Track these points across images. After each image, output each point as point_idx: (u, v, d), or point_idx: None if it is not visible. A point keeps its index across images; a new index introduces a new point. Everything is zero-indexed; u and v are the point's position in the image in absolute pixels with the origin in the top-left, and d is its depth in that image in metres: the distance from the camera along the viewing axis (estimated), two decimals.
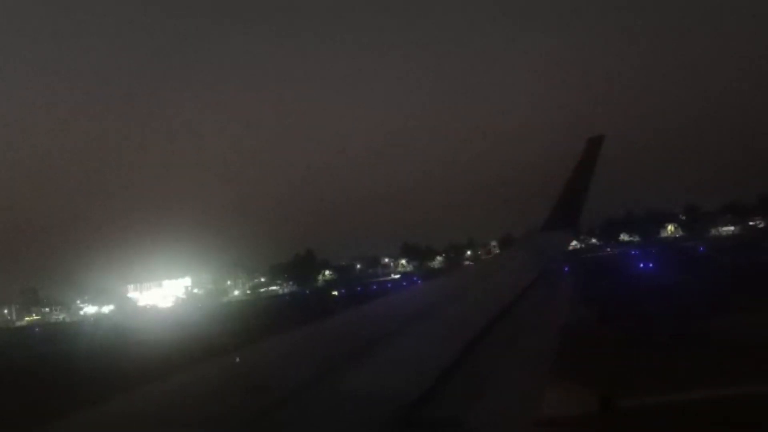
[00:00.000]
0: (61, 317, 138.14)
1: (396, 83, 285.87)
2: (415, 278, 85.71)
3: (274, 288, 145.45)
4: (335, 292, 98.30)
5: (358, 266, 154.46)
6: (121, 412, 2.55)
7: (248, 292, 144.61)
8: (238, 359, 3.48)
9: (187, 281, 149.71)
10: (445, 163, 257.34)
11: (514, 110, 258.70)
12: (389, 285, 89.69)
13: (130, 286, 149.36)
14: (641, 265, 66.09)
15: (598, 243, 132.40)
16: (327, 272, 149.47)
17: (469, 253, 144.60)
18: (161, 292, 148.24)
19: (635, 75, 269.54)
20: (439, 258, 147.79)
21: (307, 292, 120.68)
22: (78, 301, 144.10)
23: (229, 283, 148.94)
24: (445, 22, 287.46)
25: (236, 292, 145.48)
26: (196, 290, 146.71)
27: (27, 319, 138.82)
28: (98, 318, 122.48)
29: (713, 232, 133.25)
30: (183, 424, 2.39)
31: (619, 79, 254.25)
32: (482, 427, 2.86)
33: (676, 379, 12.76)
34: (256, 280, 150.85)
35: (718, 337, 18.03)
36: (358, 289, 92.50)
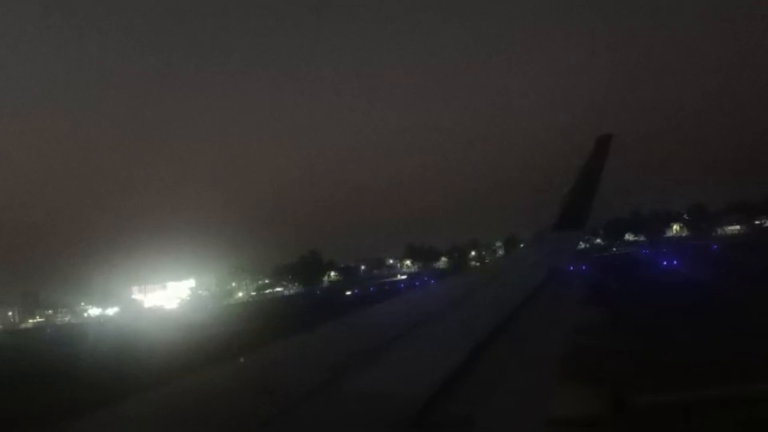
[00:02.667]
0: (66, 319, 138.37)
1: (399, 86, 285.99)
2: (425, 278, 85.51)
3: (279, 289, 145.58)
4: (348, 292, 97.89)
5: (363, 267, 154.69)
6: (132, 414, 2.53)
7: (253, 293, 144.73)
8: (248, 362, 3.46)
9: (191, 283, 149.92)
10: (450, 164, 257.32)
11: (519, 110, 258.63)
12: (402, 285, 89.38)
13: (135, 288, 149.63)
14: (651, 263, 66.01)
15: (603, 243, 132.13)
16: (332, 273, 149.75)
17: (473, 253, 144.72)
18: (166, 294, 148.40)
19: (641, 74, 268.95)
20: (443, 259, 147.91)
21: (318, 292, 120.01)
22: (82, 303, 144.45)
23: (233, 284, 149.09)
24: (452, 21, 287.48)
25: (240, 294, 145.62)
26: (201, 292, 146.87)
27: (30, 321, 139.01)
28: (106, 320, 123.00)
29: (719, 231, 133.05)
30: (193, 427, 2.38)
31: (625, 79, 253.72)
32: (494, 428, 2.84)
33: (692, 378, 12.69)
34: (260, 282, 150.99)
35: (737, 335, 17.88)
36: (371, 288, 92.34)
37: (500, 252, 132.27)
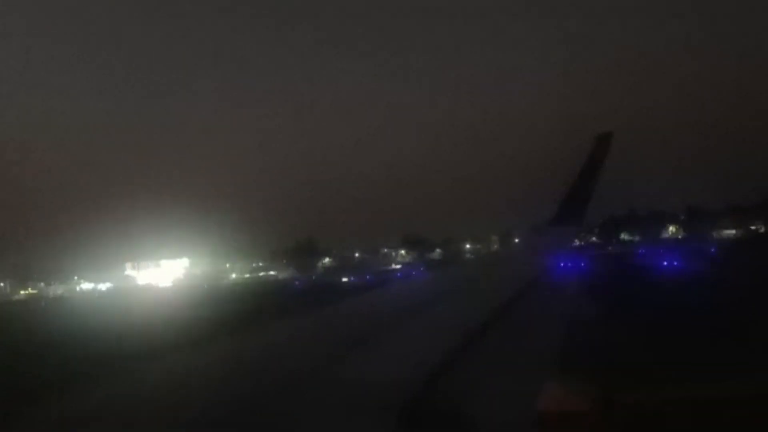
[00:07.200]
0: (59, 292, 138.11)
1: (396, 78, 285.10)
2: (422, 268, 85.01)
3: (272, 273, 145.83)
4: (345, 279, 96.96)
5: (357, 255, 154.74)
6: (120, 392, 2.50)
7: (247, 275, 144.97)
8: (238, 345, 3.44)
9: (185, 262, 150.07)
10: (448, 156, 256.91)
11: (520, 106, 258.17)
12: (399, 274, 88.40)
13: (128, 265, 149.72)
14: (647, 263, 66.26)
15: (598, 241, 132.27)
16: (327, 259, 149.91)
17: (468, 246, 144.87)
18: (159, 272, 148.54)
19: (640, 73, 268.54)
20: (438, 250, 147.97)
21: (313, 278, 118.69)
22: (75, 277, 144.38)
23: (227, 265, 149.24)
24: (452, 15, 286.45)
25: (234, 275, 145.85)
26: (194, 271, 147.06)
27: (23, 293, 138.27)
28: (101, 294, 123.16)
29: (715, 234, 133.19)
30: (181, 410, 2.37)
31: (626, 78, 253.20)
32: (483, 421, 2.83)
33: (683, 375, 12.73)
34: (254, 264, 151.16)
35: (730, 332, 17.93)
36: (367, 277, 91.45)
37: (496, 245, 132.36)
